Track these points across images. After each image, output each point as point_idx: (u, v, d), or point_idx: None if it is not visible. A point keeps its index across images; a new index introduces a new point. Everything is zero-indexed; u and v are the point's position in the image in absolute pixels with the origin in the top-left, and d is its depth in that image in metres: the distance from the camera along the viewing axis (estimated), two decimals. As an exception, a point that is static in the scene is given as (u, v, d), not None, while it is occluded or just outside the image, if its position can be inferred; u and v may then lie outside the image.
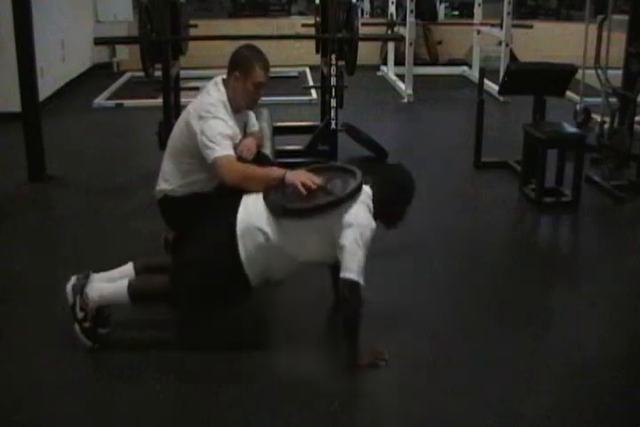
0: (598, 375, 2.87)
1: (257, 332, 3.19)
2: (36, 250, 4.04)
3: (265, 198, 2.94)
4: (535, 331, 3.24)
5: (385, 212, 2.97)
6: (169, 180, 3.33)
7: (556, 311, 3.44)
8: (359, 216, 2.83)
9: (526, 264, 3.94)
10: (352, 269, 2.77)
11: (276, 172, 3.04)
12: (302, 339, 2.98)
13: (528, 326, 3.27)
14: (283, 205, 2.89)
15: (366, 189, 2.96)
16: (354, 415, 2.66)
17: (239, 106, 3.28)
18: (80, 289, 2.95)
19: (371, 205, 2.91)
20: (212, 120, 3.12)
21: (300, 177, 2.95)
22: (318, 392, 2.74)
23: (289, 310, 3.38)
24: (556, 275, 3.82)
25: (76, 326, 2.93)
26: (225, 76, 3.29)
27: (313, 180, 2.94)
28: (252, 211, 2.92)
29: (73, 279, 3.00)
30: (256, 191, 3.01)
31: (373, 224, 2.86)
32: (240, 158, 3.38)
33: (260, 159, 3.36)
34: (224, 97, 3.21)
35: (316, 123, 5.12)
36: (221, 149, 3.07)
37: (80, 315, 2.93)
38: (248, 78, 3.22)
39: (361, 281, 2.78)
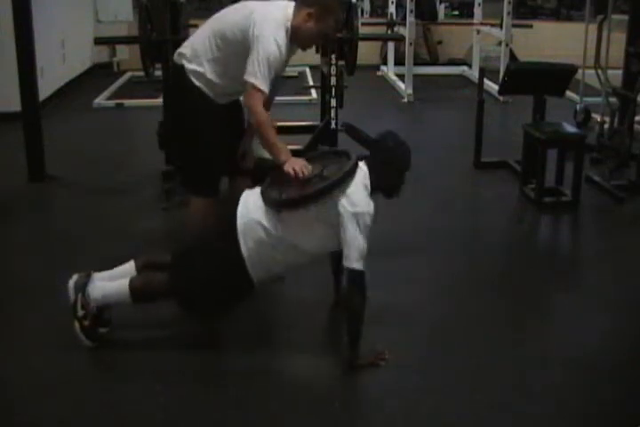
0: (598, 375, 2.87)
1: (257, 332, 3.19)
2: (35, 250, 4.03)
3: (262, 193, 2.94)
4: (535, 331, 3.25)
5: (384, 183, 2.95)
6: (195, 57, 3.20)
7: (556, 311, 3.44)
8: (356, 202, 2.80)
9: (526, 264, 3.94)
10: (354, 257, 2.77)
11: (280, 153, 3.00)
12: (302, 339, 2.97)
13: (528, 325, 3.27)
14: (278, 197, 2.89)
15: (362, 166, 2.93)
16: (354, 415, 2.66)
17: (293, 41, 3.15)
18: (82, 287, 2.95)
19: (367, 183, 2.88)
20: (272, 42, 3.01)
21: (295, 166, 2.94)
22: (318, 392, 2.75)
23: (289, 309, 3.38)
24: (556, 275, 3.82)
25: (76, 325, 2.93)
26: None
27: (304, 168, 2.93)
28: (251, 206, 2.92)
29: (75, 277, 3.00)
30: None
31: (371, 207, 2.82)
32: (242, 159, 3.41)
33: (260, 166, 3.38)
34: (288, 26, 3.09)
35: (315, 123, 5.12)
36: (262, 81, 3.01)
37: (81, 313, 2.93)
38: (319, 22, 3.11)
39: (362, 267, 2.77)
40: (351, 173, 2.86)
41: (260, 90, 3.02)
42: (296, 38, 3.13)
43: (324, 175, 2.91)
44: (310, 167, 2.95)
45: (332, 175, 2.87)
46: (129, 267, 3.09)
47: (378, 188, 2.92)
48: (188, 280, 2.94)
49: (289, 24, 3.09)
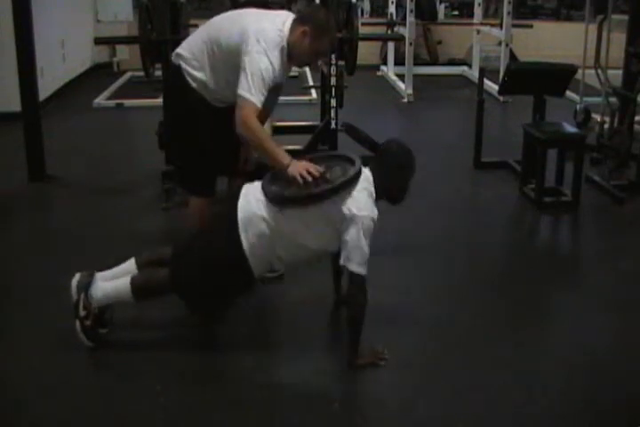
0: (598, 375, 2.88)
1: (257, 332, 3.19)
2: (35, 250, 4.03)
3: (263, 188, 2.93)
4: (535, 331, 3.25)
5: (389, 191, 2.95)
6: (192, 60, 3.19)
7: (556, 311, 3.44)
8: (360, 206, 2.80)
9: (526, 264, 3.94)
10: (355, 261, 2.77)
11: (282, 158, 2.97)
12: (302, 339, 2.97)
13: (528, 325, 3.27)
14: (281, 194, 2.88)
15: (366, 172, 2.93)
16: (354, 415, 2.66)
17: (290, 59, 3.14)
18: (85, 287, 2.95)
19: (372, 189, 2.88)
20: (264, 58, 2.99)
21: (301, 170, 2.92)
22: (318, 392, 2.75)
23: (289, 309, 3.38)
24: (556, 275, 3.82)
25: (77, 324, 2.93)
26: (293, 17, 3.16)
27: (311, 169, 2.91)
28: (252, 200, 2.91)
29: (77, 276, 3.00)
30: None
31: (375, 213, 2.83)
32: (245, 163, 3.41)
33: (260, 165, 3.38)
34: (284, 41, 3.07)
35: (315, 123, 5.12)
36: (254, 95, 2.98)
37: (82, 313, 2.93)
38: (313, 41, 3.09)
39: (364, 272, 2.78)
40: (356, 177, 2.86)
41: (249, 103, 2.99)
42: (291, 55, 3.12)
43: (326, 177, 2.91)
44: (316, 167, 2.94)
45: (336, 178, 2.87)
46: (130, 265, 3.08)
47: (383, 194, 2.93)
48: (188, 274, 2.93)
49: (285, 42, 3.07)
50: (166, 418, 2.61)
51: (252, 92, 2.98)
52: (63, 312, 2.98)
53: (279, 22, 3.10)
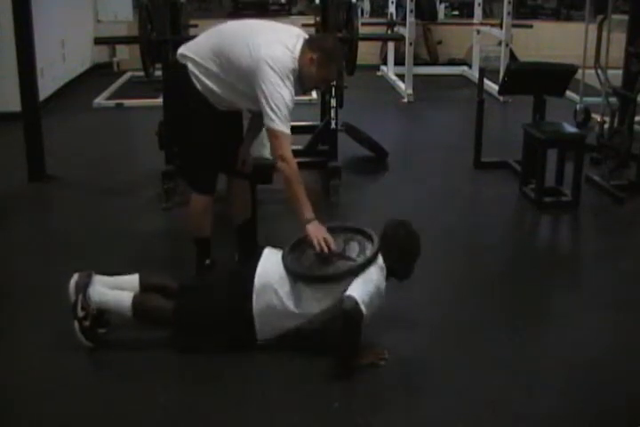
0: (598, 375, 2.87)
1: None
2: (35, 250, 4.03)
3: (284, 259, 2.96)
4: (535, 331, 3.25)
5: (397, 271, 2.99)
6: (199, 65, 3.18)
7: (555, 311, 3.44)
8: (372, 277, 2.85)
9: (526, 264, 3.94)
10: (360, 298, 2.75)
11: (306, 211, 3.02)
12: (302, 339, 2.97)
13: (528, 326, 3.27)
14: (300, 271, 2.92)
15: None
16: (354, 415, 2.66)
17: (299, 82, 3.15)
18: (83, 288, 2.96)
19: (382, 264, 2.93)
20: (282, 86, 3.03)
21: (318, 234, 2.96)
22: (318, 392, 2.75)
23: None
24: (556, 275, 3.82)
25: (76, 324, 2.93)
26: (305, 37, 3.19)
27: (329, 242, 2.95)
28: (270, 270, 2.94)
29: (75, 277, 3.01)
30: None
31: (383, 285, 2.88)
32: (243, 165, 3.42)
33: (259, 165, 3.38)
34: (296, 64, 3.09)
35: (315, 123, 5.12)
36: (285, 124, 3.03)
37: (81, 314, 2.93)
38: (321, 68, 3.12)
39: (365, 311, 2.75)
40: (373, 259, 2.90)
41: (282, 133, 3.03)
42: (300, 78, 3.13)
43: (345, 255, 2.96)
44: (333, 242, 2.97)
45: (353, 254, 2.94)
46: (133, 280, 3.08)
47: (391, 274, 2.97)
48: (193, 322, 2.96)
49: (296, 65, 3.09)
50: (166, 418, 2.61)
51: (282, 122, 3.03)
52: (63, 312, 2.98)
53: (291, 44, 3.11)
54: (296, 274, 2.91)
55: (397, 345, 2.99)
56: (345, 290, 2.80)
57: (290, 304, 2.88)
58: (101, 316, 2.99)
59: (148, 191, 4.78)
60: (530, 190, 4.73)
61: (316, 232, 2.98)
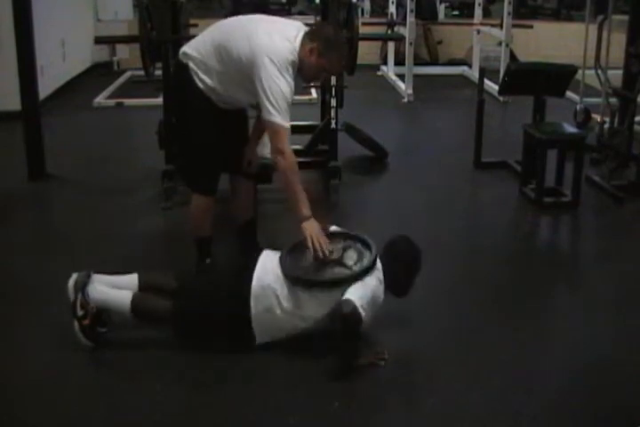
0: (598, 375, 2.88)
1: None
2: (35, 249, 4.03)
3: (281, 262, 2.95)
4: (535, 331, 3.24)
5: (396, 287, 3.00)
6: (201, 63, 3.17)
7: (556, 311, 3.44)
8: (370, 285, 2.86)
9: (526, 264, 3.94)
10: (358, 302, 2.76)
11: (304, 208, 3.01)
12: (302, 338, 2.97)
13: (528, 326, 3.27)
14: (298, 275, 2.91)
15: (378, 262, 2.97)
16: (354, 415, 2.66)
17: (299, 73, 3.14)
18: (82, 287, 2.96)
19: (382, 277, 2.93)
20: (281, 79, 2.99)
21: (313, 233, 2.95)
22: (318, 392, 2.75)
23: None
24: (556, 275, 3.82)
25: (75, 324, 2.93)
26: (306, 29, 3.14)
27: (322, 242, 2.94)
28: (269, 272, 2.94)
29: (74, 276, 3.01)
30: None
31: (381, 294, 2.89)
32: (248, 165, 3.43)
33: (261, 166, 3.38)
34: (296, 56, 3.06)
35: (315, 122, 5.12)
36: (284, 118, 3.01)
37: (80, 313, 2.93)
38: (321, 58, 3.08)
39: (363, 313, 2.76)
40: (371, 268, 2.90)
41: (281, 126, 3.01)
42: (300, 70, 3.11)
43: (342, 262, 2.95)
44: (328, 244, 2.97)
45: (350, 261, 2.93)
46: (132, 280, 3.08)
47: (389, 288, 2.97)
48: (191, 323, 2.97)
49: (296, 57, 3.06)
50: (166, 418, 2.61)
51: (281, 115, 3.00)
52: (63, 312, 2.98)
53: (291, 36, 3.08)
54: (293, 278, 2.91)
55: (397, 345, 3.00)
56: (342, 294, 2.80)
57: (288, 307, 2.88)
58: (101, 315, 2.99)
59: (148, 191, 4.78)
60: (530, 190, 4.72)
61: (312, 230, 2.97)
